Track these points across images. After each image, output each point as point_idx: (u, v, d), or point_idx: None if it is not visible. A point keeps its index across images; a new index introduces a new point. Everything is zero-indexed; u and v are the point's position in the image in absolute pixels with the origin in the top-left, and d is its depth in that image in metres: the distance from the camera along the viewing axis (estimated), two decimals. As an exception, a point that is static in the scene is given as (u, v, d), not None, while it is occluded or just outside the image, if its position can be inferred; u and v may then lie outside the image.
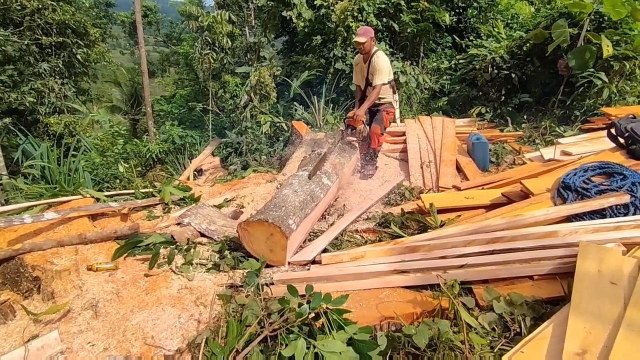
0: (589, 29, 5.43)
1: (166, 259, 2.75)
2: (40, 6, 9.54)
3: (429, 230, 3.01)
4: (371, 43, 4.09)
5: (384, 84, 4.14)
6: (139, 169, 8.48)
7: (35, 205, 3.26)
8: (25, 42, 9.80)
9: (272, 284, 2.44)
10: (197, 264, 2.80)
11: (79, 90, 12.51)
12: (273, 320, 1.77)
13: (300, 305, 1.62)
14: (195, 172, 7.06)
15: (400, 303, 2.07)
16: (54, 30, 10.29)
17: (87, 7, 13.82)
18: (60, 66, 10.71)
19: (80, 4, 12.05)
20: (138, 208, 3.77)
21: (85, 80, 12.60)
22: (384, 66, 4.08)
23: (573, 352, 1.42)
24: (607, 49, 4.97)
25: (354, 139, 4.42)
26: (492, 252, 2.29)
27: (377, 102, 4.30)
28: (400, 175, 4.64)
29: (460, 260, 2.30)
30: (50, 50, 10.56)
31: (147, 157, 8.73)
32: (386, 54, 4.25)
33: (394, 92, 4.41)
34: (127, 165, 7.55)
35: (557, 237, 2.33)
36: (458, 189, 3.90)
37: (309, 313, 1.60)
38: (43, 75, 10.38)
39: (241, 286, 2.52)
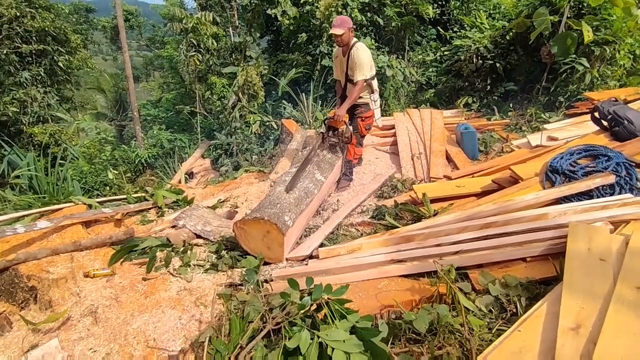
0: (569, 15, 5.54)
1: (163, 262, 2.75)
2: (18, 14, 9.34)
3: (423, 219, 3.06)
4: (350, 34, 3.71)
5: (365, 80, 3.77)
6: (129, 175, 8.41)
7: (27, 215, 3.22)
8: (5, 51, 9.60)
9: (272, 280, 2.46)
10: (194, 265, 2.80)
11: (62, 98, 12.28)
12: (275, 314, 1.79)
13: (302, 297, 1.65)
14: (186, 176, 7.02)
15: (398, 292, 2.11)
16: (34, 38, 10.09)
17: (66, 13, 13.58)
18: (42, 74, 10.52)
19: (60, 11, 11.82)
20: (131, 213, 3.74)
21: (68, 88, 12.38)
22: (364, 60, 3.70)
23: (567, 327, 1.47)
24: (588, 35, 5.07)
25: (336, 140, 4.06)
26: (486, 237, 2.33)
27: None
28: (392, 168, 4.68)
29: (454, 247, 2.34)
30: (30, 59, 10.36)
31: (137, 162, 8.66)
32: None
33: (372, 92, 3.99)
34: (116, 172, 7.47)
35: (548, 219, 2.39)
36: (449, 178, 3.96)
37: (311, 305, 1.63)
38: (25, 84, 10.18)
39: (240, 285, 2.53)
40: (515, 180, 3.10)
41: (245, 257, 2.82)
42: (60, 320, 2.24)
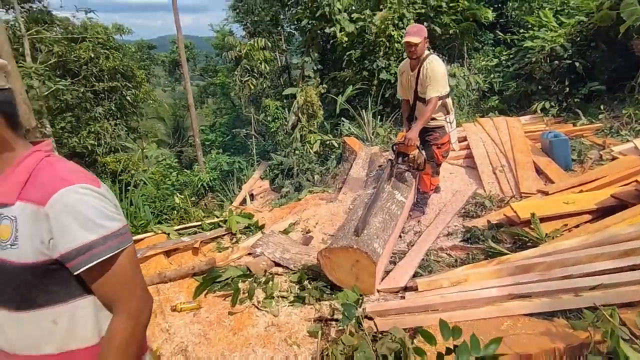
0: (666, 2, 4.88)
1: (247, 294, 2.61)
2: (93, 55, 10.27)
3: (529, 243, 2.67)
4: (424, 45, 3.21)
5: (440, 98, 3.23)
6: (193, 198, 8.66)
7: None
8: (82, 90, 10.55)
9: (367, 316, 2.21)
10: (278, 297, 2.63)
11: (130, 129, 13.27)
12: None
13: (439, 354, 1.38)
14: (249, 197, 7.06)
15: (531, 337, 1.76)
16: (106, 76, 11.03)
17: (132, 51, 14.77)
18: (113, 108, 11.44)
19: (127, 50, 12.88)
20: (206, 240, 3.71)
21: (134, 120, 13.36)
22: (439, 74, 3.18)
23: None
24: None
25: (406, 168, 3.49)
26: (632, 268, 1.92)
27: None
28: (471, 184, 4.29)
29: (590, 280, 1.95)
30: (103, 95, 11.32)
31: (199, 186, 8.93)
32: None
33: (448, 112, 3.44)
34: (182, 197, 7.71)
35: None
36: (545, 193, 3.51)
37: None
38: (99, 118, 11.10)
39: (332, 319, 2.31)
40: (642, 194, 2.61)
41: (331, 288, 2.62)
42: None
